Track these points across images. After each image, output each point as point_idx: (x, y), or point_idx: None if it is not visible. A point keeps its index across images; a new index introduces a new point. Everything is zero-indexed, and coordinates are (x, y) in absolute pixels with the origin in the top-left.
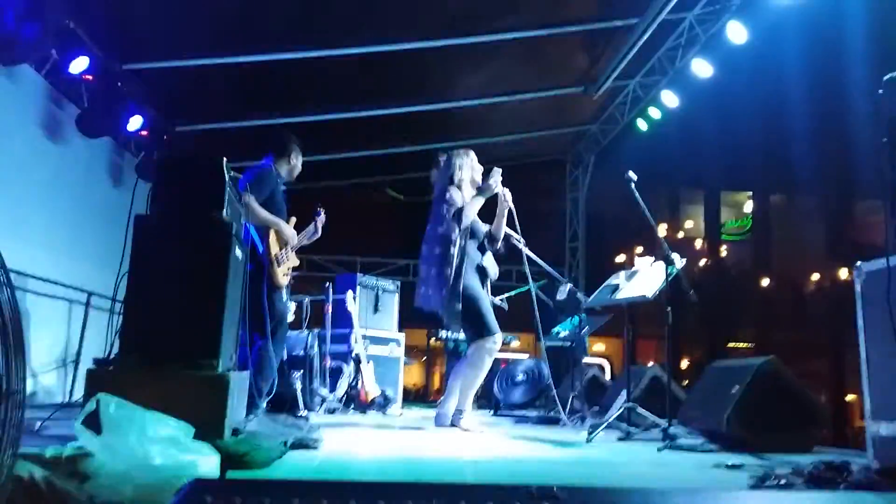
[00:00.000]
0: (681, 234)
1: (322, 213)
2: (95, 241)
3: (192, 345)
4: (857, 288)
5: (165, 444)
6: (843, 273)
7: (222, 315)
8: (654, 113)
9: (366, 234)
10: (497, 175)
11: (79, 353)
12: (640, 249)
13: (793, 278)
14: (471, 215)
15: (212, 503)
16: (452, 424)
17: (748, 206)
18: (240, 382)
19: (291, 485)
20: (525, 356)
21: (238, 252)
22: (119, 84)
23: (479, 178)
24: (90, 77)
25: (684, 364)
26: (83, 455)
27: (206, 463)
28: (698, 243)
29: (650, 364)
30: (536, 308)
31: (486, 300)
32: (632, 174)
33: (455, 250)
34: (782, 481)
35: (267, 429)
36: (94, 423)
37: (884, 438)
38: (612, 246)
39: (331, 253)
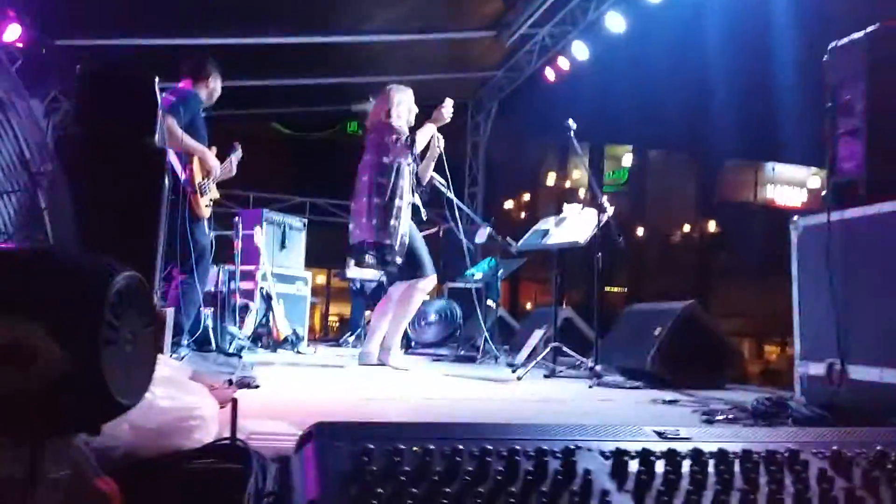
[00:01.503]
0: (568, 184)
1: (238, 149)
2: None
3: None
4: (793, 240)
5: (167, 385)
6: (711, 225)
7: (156, 250)
8: (563, 64)
9: (255, 169)
10: (449, 106)
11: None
12: (527, 196)
13: (664, 229)
14: (421, 142)
15: (346, 449)
16: (380, 363)
17: (627, 160)
18: (170, 319)
19: (420, 426)
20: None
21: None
22: None
23: (412, 119)
24: None
25: (563, 305)
26: None
27: (208, 405)
28: (581, 192)
29: (528, 306)
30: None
31: (420, 239)
32: (571, 122)
33: (404, 179)
34: (730, 416)
35: (202, 367)
36: None
37: (812, 377)
38: (501, 192)
39: (221, 186)
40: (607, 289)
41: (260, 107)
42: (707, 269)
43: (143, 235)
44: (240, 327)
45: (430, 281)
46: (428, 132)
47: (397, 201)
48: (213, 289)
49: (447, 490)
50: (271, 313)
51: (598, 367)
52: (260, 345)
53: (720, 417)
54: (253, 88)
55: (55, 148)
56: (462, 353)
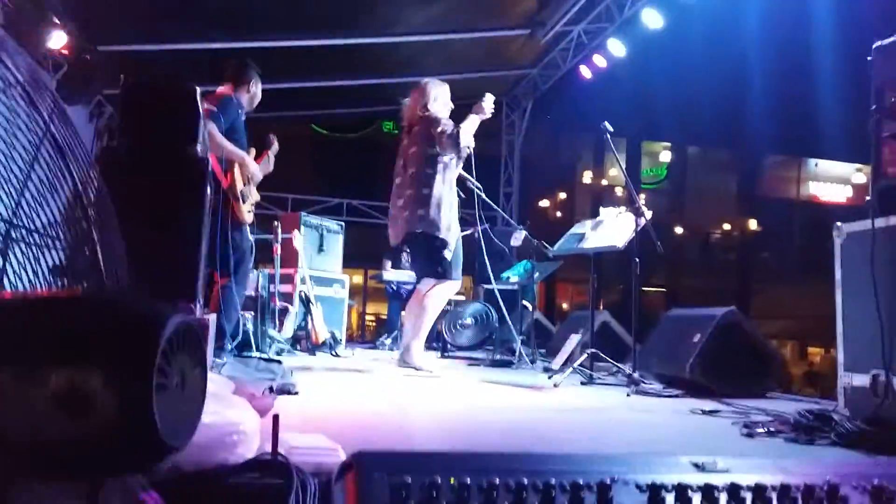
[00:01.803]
0: (604, 182)
1: (275, 142)
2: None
3: (168, 288)
4: (837, 247)
5: (210, 401)
6: (752, 224)
7: (199, 258)
8: (600, 61)
9: (294, 171)
10: (490, 100)
11: None
12: (563, 195)
13: (703, 227)
14: (467, 135)
15: (384, 480)
16: (404, 364)
17: (665, 156)
18: (213, 326)
19: (457, 457)
20: (462, 298)
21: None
22: None
23: (447, 115)
24: None
25: (600, 307)
26: None
27: (250, 420)
28: (619, 191)
29: (564, 306)
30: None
31: (458, 241)
32: (607, 124)
33: (451, 172)
34: (771, 429)
35: (244, 374)
36: None
37: (855, 388)
38: (536, 191)
39: (259, 189)
40: (645, 289)
41: (297, 109)
42: (748, 269)
43: (187, 244)
44: (279, 331)
45: (454, 285)
46: (473, 124)
47: (446, 193)
48: (252, 293)
49: None
50: (310, 316)
51: (636, 375)
52: (299, 348)
53: (761, 431)
54: (290, 91)
55: (99, 160)
56: (497, 357)
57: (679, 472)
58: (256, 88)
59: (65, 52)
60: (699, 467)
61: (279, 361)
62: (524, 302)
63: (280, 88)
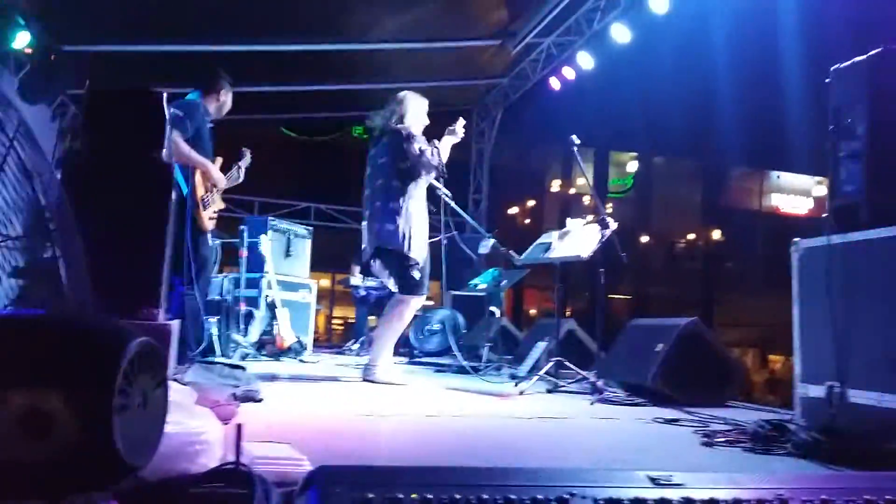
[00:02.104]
0: (573, 191)
1: (247, 155)
2: None
3: (132, 294)
4: (794, 261)
5: (173, 411)
6: (716, 234)
7: (163, 264)
8: (569, 73)
9: (262, 175)
10: (461, 124)
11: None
12: (531, 202)
13: (669, 236)
14: (445, 156)
15: (346, 494)
16: (368, 379)
17: (632, 166)
18: (176, 332)
19: (419, 471)
20: (431, 303)
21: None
22: None
23: (420, 130)
24: None
25: (568, 314)
26: None
27: (213, 429)
28: (586, 200)
29: (531, 311)
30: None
31: (426, 250)
32: (575, 138)
33: (419, 187)
34: (730, 438)
35: (205, 380)
36: None
37: (812, 399)
38: (505, 199)
39: (227, 192)
40: (611, 296)
41: (267, 112)
42: (712, 277)
43: (151, 250)
44: (244, 335)
45: (421, 300)
46: (448, 146)
47: (414, 207)
48: (217, 297)
49: None
50: (275, 321)
51: (599, 383)
52: (265, 353)
53: (720, 439)
54: (261, 94)
55: (63, 163)
56: (464, 364)
57: (636, 487)
58: (227, 97)
59: (28, 51)
60: (655, 482)
61: (243, 367)
62: (492, 308)
63: (250, 91)
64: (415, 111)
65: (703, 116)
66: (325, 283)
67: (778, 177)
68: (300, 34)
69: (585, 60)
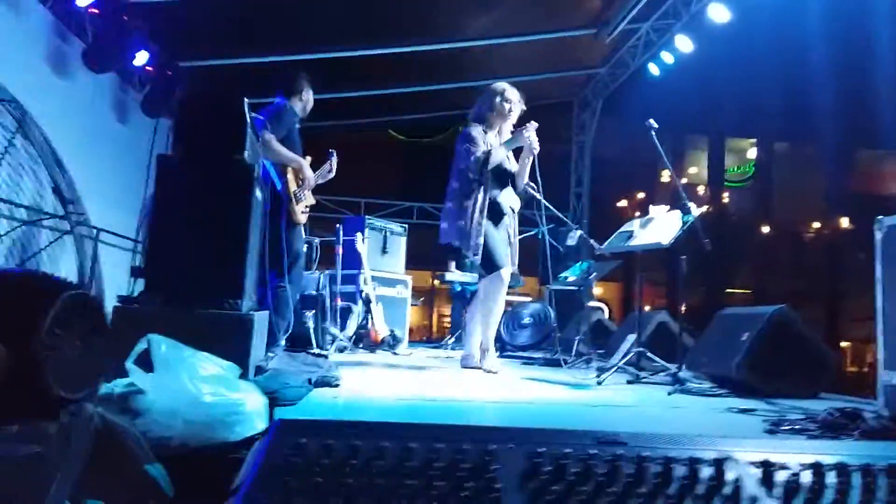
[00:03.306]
0: (684, 180)
1: (334, 154)
2: (102, 178)
3: (216, 285)
4: (878, 241)
5: (215, 383)
6: (844, 222)
7: (245, 257)
8: (667, 58)
9: (368, 176)
10: (531, 130)
11: (90, 289)
12: (641, 195)
13: (792, 226)
14: (494, 162)
15: (307, 443)
16: (478, 366)
17: (751, 153)
18: (261, 322)
19: (373, 426)
20: (528, 299)
21: (258, 193)
22: (125, 18)
23: (514, 118)
24: (96, 10)
25: (682, 309)
26: (135, 392)
27: (253, 401)
28: (701, 189)
29: (646, 308)
30: (548, 253)
31: (496, 237)
32: (652, 122)
33: (475, 189)
34: (797, 426)
35: (289, 367)
36: (145, 361)
37: (895, 387)
38: (613, 191)
39: (334, 194)
40: (730, 290)
41: (375, 116)
42: (840, 269)
43: (234, 245)
44: (342, 329)
45: (503, 273)
46: (501, 153)
47: (464, 202)
48: (314, 292)
49: (379, 483)
50: (370, 316)
51: (681, 374)
52: (361, 346)
53: (785, 427)
54: (367, 98)
55: (157, 166)
56: (552, 356)
57: (581, 448)
58: (308, 96)
59: (149, 69)
60: (603, 442)
61: (325, 356)
62: (594, 303)
63: (359, 97)
64: (496, 104)
65: (825, 96)
66: (425, 281)
67: None
68: (397, 37)
69: (684, 44)
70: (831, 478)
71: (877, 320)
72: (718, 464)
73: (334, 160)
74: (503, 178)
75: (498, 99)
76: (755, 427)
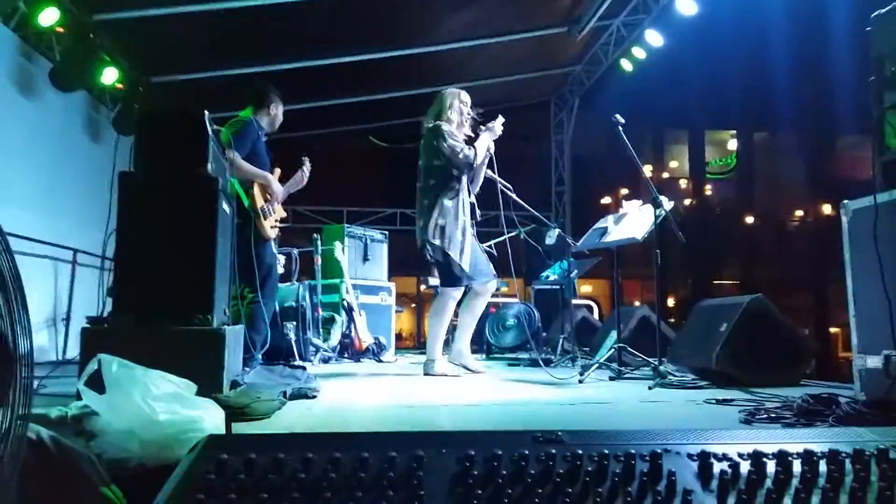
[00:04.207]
0: (665, 175)
1: (307, 162)
2: (76, 197)
3: (185, 301)
4: (844, 225)
5: (170, 401)
6: (826, 209)
7: (214, 270)
8: (639, 53)
9: (350, 184)
10: (500, 122)
11: (69, 311)
12: (625, 191)
13: (776, 215)
14: (481, 153)
15: (226, 459)
16: (427, 373)
17: (732, 145)
18: (235, 336)
19: (303, 438)
20: (514, 300)
21: (225, 206)
22: (91, 36)
23: (465, 123)
24: (61, 29)
25: (671, 302)
26: (88, 414)
27: (211, 417)
28: (683, 183)
29: (636, 304)
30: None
31: (474, 244)
32: (619, 117)
33: (458, 188)
34: (772, 415)
35: (265, 380)
36: (97, 382)
37: (870, 371)
38: (597, 188)
39: (316, 203)
40: (718, 281)
41: (355, 123)
42: (827, 256)
43: (201, 260)
44: (323, 339)
45: (459, 292)
46: (483, 148)
47: (449, 204)
48: (294, 303)
49: (295, 497)
50: (353, 325)
51: (662, 368)
52: (346, 355)
53: (761, 417)
54: (346, 106)
55: (119, 181)
56: (538, 356)
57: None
58: (277, 110)
59: (120, 86)
60: (537, 440)
61: (303, 368)
62: (580, 301)
63: (336, 104)
64: (455, 106)
65: (801, 84)
66: (411, 286)
67: None
68: (372, 44)
69: (655, 39)
70: (797, 466)
71: (848, 305)
72: (654, 458)
73: (307, 168)
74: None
75: (457, 101)
76: (731, 418)
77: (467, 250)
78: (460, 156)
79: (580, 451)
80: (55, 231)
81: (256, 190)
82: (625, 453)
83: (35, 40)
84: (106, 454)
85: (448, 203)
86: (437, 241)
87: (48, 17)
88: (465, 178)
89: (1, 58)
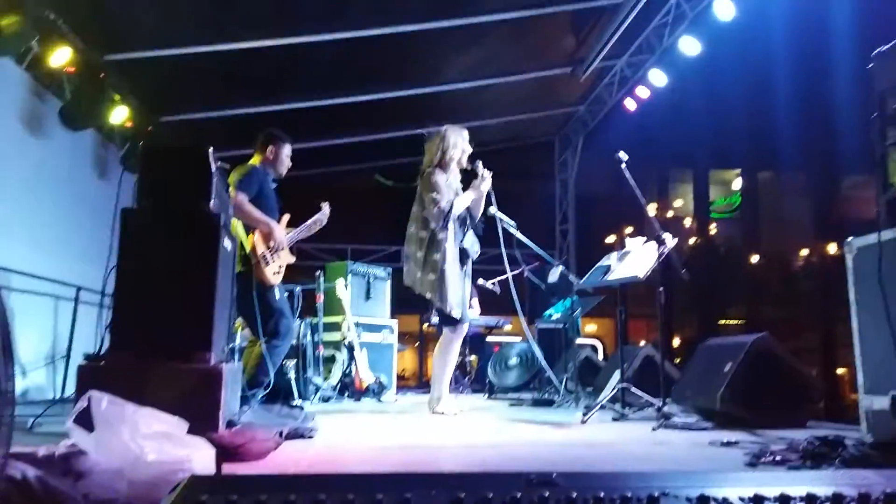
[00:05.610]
0: (670, 214)
1: (326, 206)
2: (82, 234)
3: (184, 338)
4: (849, 263)
5: (159, 440)
6: (832, 248)
7: (213, 307)
8: (643, 92)
9: (356, 222)
10: (487, 183)
11: (69, 349)
12: (629, 230)
13: (782, 254)
14: (458, 209)
15: (207, 500)
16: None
17: (737, 184)
18: (233, 374)
19: (288, 479)
20: (518, 339)
21: (227, 243)
22: (101, 75)
23: (465, 161)
24: (72, 69)
25: (676, 342)
26: (76, 453)
27: (201, 457)
28: (687, 222)
29: (642, 343)
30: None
31: (460, 288)
32: (622, 155)
33: (445, 233)
34: (777, 458)
35: (262, 419)
36: (86, 420)
37: (877, 413)
38: (601, 227)
39: (321, 241)
40: (723, 321)
41: (362, 161)
42: (832, 295)
43: (201, 295)
44: (324, 378)
45: (460, 330)
46: (464, 202)
47: (435, 255)
48: (294, 341)
49: None
50: (354, 363)
51: (666, 408)
52: (347, 394)
53: (766, 459)
54: (353, 145)
55: (120, 217)
56: (541, 396)
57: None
58: (281, 152)
59: (129, 124)
60: (531, 483)
61: (301, 407)
62: (584, 340)
63: (342, 144)
64: (455, 145)
65: (807, 123)
66: (414, 325)
67: None
68: (377, 83)
69: (659, 78)
70: None
71: (854, 344)
72: (652, 502)
73: (325, 212)
74: (464, 223)
75: (456, 139)
76: (735, 460)
77: (463, 294)
78: (434, 210)
79: (574, 495)
80: (59, 268)
81: (258, 236)
82: (621, 497)
83: (46, 80)
84: (93, 494)
85: (436, 256)
86: (427, 295)
87: (60, 57)
88: (452, 226)
89: (13, 97)
